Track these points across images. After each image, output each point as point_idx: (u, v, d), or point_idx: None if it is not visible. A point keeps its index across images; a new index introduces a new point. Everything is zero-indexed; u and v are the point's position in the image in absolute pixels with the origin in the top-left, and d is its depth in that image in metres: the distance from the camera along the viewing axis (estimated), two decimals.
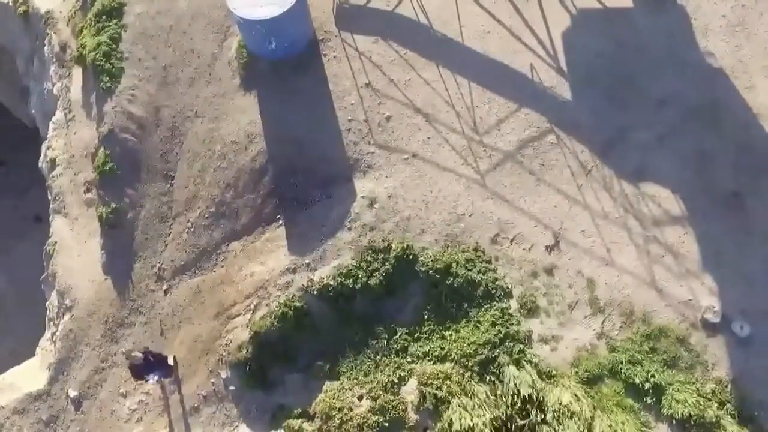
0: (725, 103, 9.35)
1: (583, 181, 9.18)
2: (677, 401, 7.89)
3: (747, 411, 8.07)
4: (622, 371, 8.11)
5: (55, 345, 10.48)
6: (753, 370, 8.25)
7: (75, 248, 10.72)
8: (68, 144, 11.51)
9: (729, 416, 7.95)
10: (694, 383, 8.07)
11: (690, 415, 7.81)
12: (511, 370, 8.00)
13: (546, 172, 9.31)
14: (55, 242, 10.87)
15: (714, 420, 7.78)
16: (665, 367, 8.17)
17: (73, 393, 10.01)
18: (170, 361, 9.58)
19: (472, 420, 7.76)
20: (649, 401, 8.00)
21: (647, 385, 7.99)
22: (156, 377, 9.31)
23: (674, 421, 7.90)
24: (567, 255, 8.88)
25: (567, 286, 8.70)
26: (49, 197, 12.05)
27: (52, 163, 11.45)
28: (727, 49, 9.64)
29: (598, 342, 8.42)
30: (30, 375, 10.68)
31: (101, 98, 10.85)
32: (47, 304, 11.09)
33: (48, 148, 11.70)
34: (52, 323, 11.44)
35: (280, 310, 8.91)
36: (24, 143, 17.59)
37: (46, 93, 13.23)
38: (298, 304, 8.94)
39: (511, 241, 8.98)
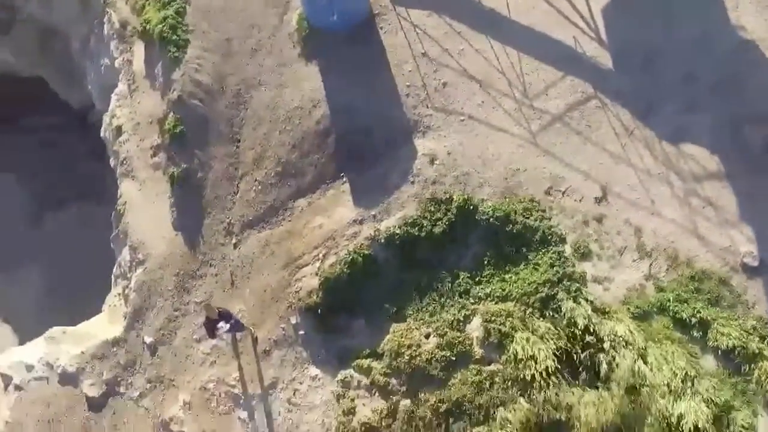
0: (755, 72, 10.24)
1: (626, 141, 10.07)
2: (722, 334, 8.73)
3: None
4: (670, 308, 8.96)
5: (129, 296, 11.16)
6: None
7: (144, 208, 11.42)
8: (133, 112, 12.21)
9: None
10: (736, 320, 8.91)
11: (734, 346, 8.64)
12: (569, 305, 8.82)
13: (592, 132, 10.18)
14: (125, 202, 11.57)
15: (756, 351, 8.61)
16: (709, 305, 9.02)
17: (148, 339, 10.72)
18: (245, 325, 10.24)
19: (535, 350, 8.57)
20: (695, 334, 8.84)
21: (693, 320, 8.83)
22: (225, 328, 9.77)
23: (720, 351, 8.74)
24: (614, 206, 9.74)
25: (616, 233, 9.55)
26: (112, 164, 12.80)
27: (118, 131, 12.16)
28: (757, 23, 10.60)
29: (646, 283, 9.26)
30: (101, 327, 11.34)
31: (169, 67, 11.59)
32: (119, 260, 11.77)
33: (112, 117, 12.41)
34: (119, 280, 12.12)
35: (350, 257, 9.72)
36: (68, 125, 18.49)
37: (103, 69, 13.98)
38: (366, 251, 9.76)
39: (563, 193, 9.82)
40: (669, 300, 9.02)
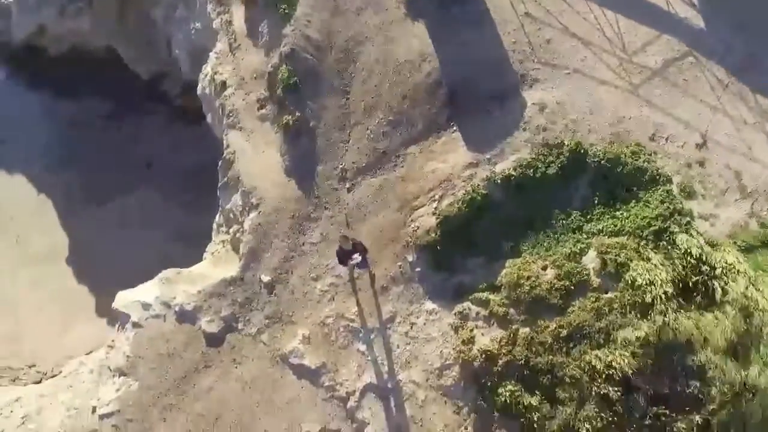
0: None
1: (721, 94, 10.95)
2: None
3: None
4: None
5: (242, 239, 11.73)
6: None
7: (254, 156, 12.05)
8: (237, 68, 12.86)
9: None
10: None
11: None
12: (682, 237, 9.63)
13: (689, 86, 11.12)
14: (234, 152, 12.19)
15: None
16: None
17: (265, 278, 11.30)
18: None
19: (653, 275, 9.30)
20: None
21: None
22: (357, 259, 10.37)
23: None
24: (714, 152, 10.68)
25: (717, 176, 10.47)
26: (213, 121, 13.41)
27: (222, 86, 12.80)
28: None
29: (749, 220, 10.16)
30: (212, 270, 11.89)
31: (277, 24, 12.30)
32: (225, 207, 12.36)
33: (215, 74, 13.04)
34: (222, 228, 12.71)
35: (468, 196, 10.51)
36: (136, 94, 19.06)
37: (194, 32, 14.66)
38: (483, 191, 10.54)
39: (666, 139, 10.70)
40: None
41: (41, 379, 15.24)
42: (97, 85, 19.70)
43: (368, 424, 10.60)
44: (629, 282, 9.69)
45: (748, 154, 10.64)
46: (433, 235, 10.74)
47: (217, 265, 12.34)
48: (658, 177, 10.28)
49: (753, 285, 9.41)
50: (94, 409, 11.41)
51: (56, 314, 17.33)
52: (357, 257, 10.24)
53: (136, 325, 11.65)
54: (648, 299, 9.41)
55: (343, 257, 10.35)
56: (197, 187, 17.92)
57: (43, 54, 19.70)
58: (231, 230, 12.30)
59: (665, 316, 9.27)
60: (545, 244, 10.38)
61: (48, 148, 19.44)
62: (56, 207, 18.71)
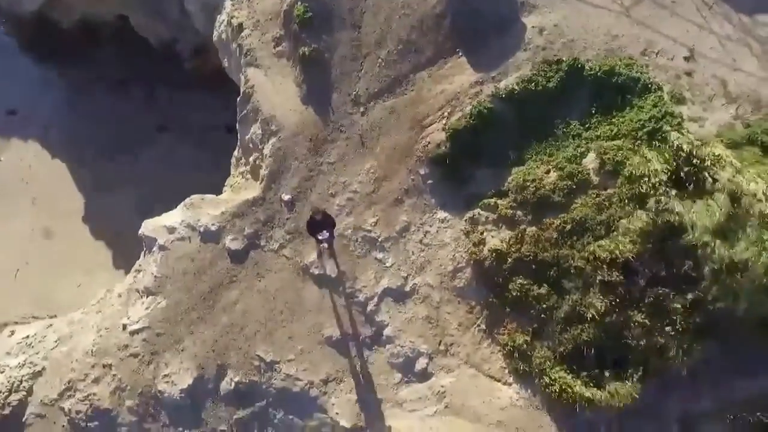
0: None
1: (707, 14, 12.14)
2: None
3: None
4: (758, 139, 11.10)
5: (261, 165, 12.77)
6: None
7: (272, 88, 13.18)
8: (252, 11, 14.02)
9: None
10: None
11: None
12: (673, 134, 10.78)
13: (676, 7, 12.40)
14: (252, 85, 13.31)
15: None
16: None
17: (286, 197, 12.36)
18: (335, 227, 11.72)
19: (647, 168, 10.36)
20: None
21: None
22: (325, 235, 11.53)
23: None
24: (701, 64, 11.94)
25: (704, 84, 11.70)
26: (230, 65, 14.53)
27: (239, 28, 13.95)
28: None
29: (734, 122, 11.35)
30: (233, 196, 12.90)
31: None
32: (245, 139, 13.42)
33: (231, 18, 14.20)
34: (242, 160, 13.77)
35: (475, 110, 11.70)
36: (145, 61, 20.22)
37: None
38: (489, 105, 11.70)
39: (656, 53, 11.95)
40: (757, 133, 11.16)
41: None
42: (108, 53, 21.13)
43: (387, 325, 11.70)
44: (626, 177, 10.89)
45: (732, 65, 11.88)
46: (443, 148, 11.94)
47: (238, 193, 13.41)
48: (650, 85, 11.55)
49: (739, 173, 10.56)
50: (124, 327, 12.42)
51: (75, 269, 18.45)
52: (325, 234, 11.19)
53: (162, 247, 12.67)
54: (644, 190, 10.61)
55: (313, 228, 11.24)
56: (209, 147, 19.29)
57: (54, 24, 21.04)
58: (250, 159, 13.42)
59: (659, 203, 10.44)
60: (548, 151, 11.61)
61: (61, 116, 20.75)
62: (71, 170, 19.98)
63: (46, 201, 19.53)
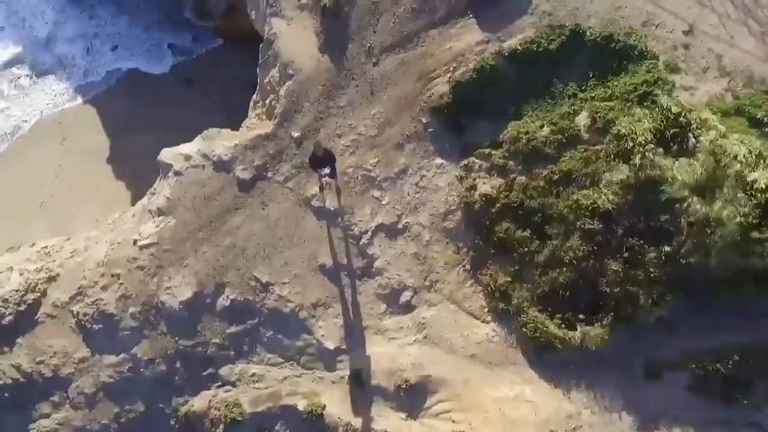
0: None
1: None
2: None
3: None
4: (745, 110, 11.82)
5: (276, 106, 13.84)
6: None
7: (293, 36, 14.32)
8: None
9: None
10: None
11: None
12: (664, 98, 11.50)
13: None
14: (275, 33, 14.47)
15: None
16: None
17: (295, 134, 13.42)
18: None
19: (635, 127, 11.10)
20: (766, 130, 11.40)
21: (766, 119, 11.47)
22: (327, 171, 12.58)
23: None
24: (699, 38, 12.72)
25: (700, 57, 12.48)
26: (256, 18, 15.74)
27: None
28: None
29: (725, 93, 12.10)
30: (244, 133, 14.04)
31: None
32: (263, 82, 14.53)
33: None
34: (259, 104, 14.87)
35: (479, 65, 12.66)
36: (179, 15, 21.68)
37: None
38: (491, 62, 12.63)
39: (656, 26, 12.76)
40: (745, 104, 11.90)
41: None
42: (138, 5, 22.69)
43: (377, 258, 12.60)
44: (614, 134, 11.68)
45: (729, 42, 12.60)
46: (446, 99, 12.91)
47: (252, 130, 14.50)
48: (646, 53, 12.38)
49: (723, 137, 11.23)
50: (134, 242, 13.58)
51: (94, 205, 19.74)
52: (327, 170, 12.17)
53: (177, 173, 13.83)
54: (629, 146, 11.36)
55: (315, 163, 12.20)
56: (234, 99, 20.43)
57: None
58: (266, 101, 14.54)
59: (643, 158, 11.16)
60: (544, 108, 12.48)
61: (91, 63, 22.26)
62: (99, 114, 21.42)
63: (73, 141, 21.08)
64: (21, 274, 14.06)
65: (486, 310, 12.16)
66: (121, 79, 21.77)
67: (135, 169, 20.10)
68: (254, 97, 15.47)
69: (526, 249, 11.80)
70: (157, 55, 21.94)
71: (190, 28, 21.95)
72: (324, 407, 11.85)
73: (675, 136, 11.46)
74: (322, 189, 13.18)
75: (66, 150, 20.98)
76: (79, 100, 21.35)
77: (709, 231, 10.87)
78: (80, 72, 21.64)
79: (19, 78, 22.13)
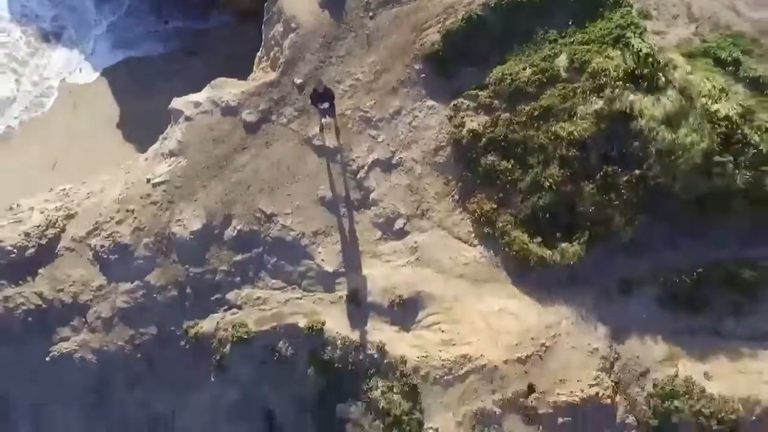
0: None
1: None
2: (751, 68, 12.76)
3: None
4: (711, 51, 13.09)
5: (279, 57, 15.00)
6: None
7: None
8: None
9: None
10: (763, 63, 12.74)
11: (760, 76, 12.61)
12: (636, 40, 12.65)
13: None
14: None
15: None
16: (742, 54, 12.87)
17: (298, 81, 14.65)
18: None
19: (608, 65, 12.24)
20: (729, 69, 12.77)
21: (729, 59, 12.85)
22: (326, 105, 13.72)
23: (748, 80, 12.69)
24: None
25: (671, 5, 13.83)
26: None
27: None
28: None
29: (693, 38, 13.33)
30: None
31: None
32: (267, 38, 15.72)
33: None
34: (263, 58, 16.07)
35: (468, 15, 13.87)
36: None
37: None
38: (479, 12, 13.83)
39: None
40: (712, 47, 13.14)
41: None
42: None
43: (373, 191, 13.76)
44: (590, 73, 12.85)
45: None
46: (437, 47, 14.14)
47: (257, 80, 15.66)
48: (621, 1, 13.52)
49: (690, 74, 12.36)
50: (148, 181, 14.73)
51: (105, 167, 20.75)
52: (326, 104, 13.36)
53: (187, 118, 15.03)
54: (603, 81, 12.52)
55: (315, 99, 13.40)
56: (237, 67, 21.62)
57: None
58: (271, 54, 15.72)
59: (614, 91, 12.30)
60: (526, 53, 13.68)
61: (101, 39, 23.55)
62: (110, 85, 22.65)
63: (85, 108, 22.32)
64: (41, 213, 15.23)
65: (473, 234, 13.35)
66: (131, 56, 23.51)
67: (143, 133, 21.34)
68: (259, 53, 16.68)
69: (510, 178, 13.02)
70: (164, 34, 23.63)
71: (197, 5, 23.68)
72: (324, 323, 13.04)
73: (645, 75, 12.67)
74: (322, 129, 14.42)
75: (77, 116, 22.59)
76: (91, 72, 22.98)
77: (674, 156, 12.15)
78: (91, 45, 23.33)
79: (35, 50, 23.94)
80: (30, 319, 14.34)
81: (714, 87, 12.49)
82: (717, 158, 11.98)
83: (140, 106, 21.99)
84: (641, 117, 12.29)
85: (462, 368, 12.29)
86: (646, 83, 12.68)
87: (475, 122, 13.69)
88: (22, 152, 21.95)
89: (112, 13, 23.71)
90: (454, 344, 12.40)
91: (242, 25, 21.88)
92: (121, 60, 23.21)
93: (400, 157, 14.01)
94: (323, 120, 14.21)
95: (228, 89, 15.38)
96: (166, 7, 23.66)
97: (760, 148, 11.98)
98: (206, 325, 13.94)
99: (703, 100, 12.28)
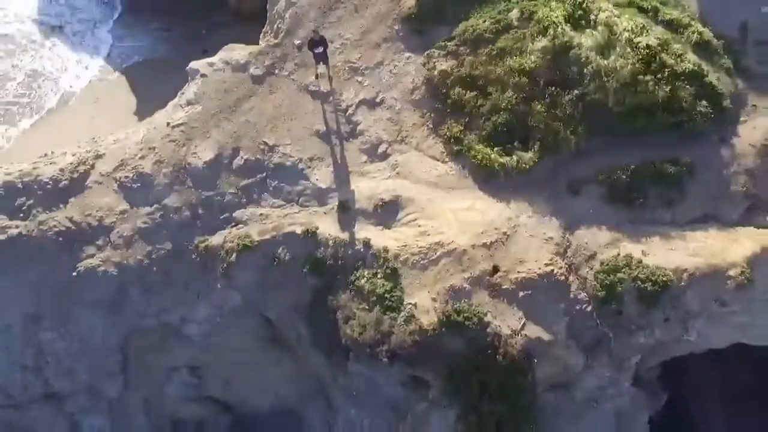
0: None
1: None
2: (667, 14, 15.52)
3: None
4: (635, 3, 15.89)
5: (281, 26, 17.77)
6: None
7: None
8: None
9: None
10: (680, 10, 15.65)
11: (674, 19, 15.53)
12: None
13: None
14: None
15: (685, 21, 15.40)
16: (661, 4, 15.70)
17: (297, 42, 17.51)
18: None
19: (551, 13, 15.01)
20: (650, 14, 15.63)
21: (650, 7, 15.87)
22: (320, 50, 16.55)
23: (665, 22, 15.49)
24: None
25: None
26: None
27: None
28: None
29: None
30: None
31: None
32: (272, 12, 18.62)
33: None
34: (268, 33, 18.84)
35: None
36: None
37: None
38: None
39: None
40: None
41: None
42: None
43: (360, 123, 16.22)
44: (536, 20, 15.73)
45: None
46: (413, 10, 17.18)
47: (263, 44, 18.46)
48: None
49: (616, 17, 15.16)
50: (167, 124, 17.12)
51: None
52: (320, 49, 16.32)
53: (203, 75, 17.78)
54: (546, 24, 15.27)
55: (311, 45, 16.46)
56: None
57: None
58: (274, 26, 18.54)
59: (555, 30, 15.01)
60: (486, 10, 16.54)
61: (118, 38, 26.76)
62: (128, 80, 25.55)
63: (104, 100, 25.11)
64: (74, 155, 17.56)
65: (444, 154, 15.79)
66: (149, 58, 26.72)
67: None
68: (264, 28, 19.65)
69: (474, 104, 15.66)
70: (175, 36, 26.90)
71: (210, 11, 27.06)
72: (317, 228, 15.17)
73: (580, 18, 15.63)
74: (317, 77, 17.06)
75: (98, 108, 25.32)
76: (112, 71, 26.18)
77: (606, 77, 14.75)
78: (108, 48, 26.76)
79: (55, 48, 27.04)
80: (61, 239, 16.49)
81: (636, 25, 15.42)
82: (641, 77, 14.74)
83: (154, 99, 24.67)
84: (578, 48, 15.15)
85: (435, 253, 14.38)
86: (582, 22, 15.70)
87: (444, 65, 16.46)
88: (47, 137, 24.68)
89: (127, 18, 27.45)
90: (428, 235, 14.56)
91: (249, 28, 25.35)
92: (139, 63, 26.61)
93: (383, 97, 16.70)
94: (318, 69, 16.94)
95: (238, 51, 18.27)
96: (175, 11, 27.37)
97: (675, 68, 14.86)
98: (215, 239, 16.05)
99: (626, 34, 15.17)
